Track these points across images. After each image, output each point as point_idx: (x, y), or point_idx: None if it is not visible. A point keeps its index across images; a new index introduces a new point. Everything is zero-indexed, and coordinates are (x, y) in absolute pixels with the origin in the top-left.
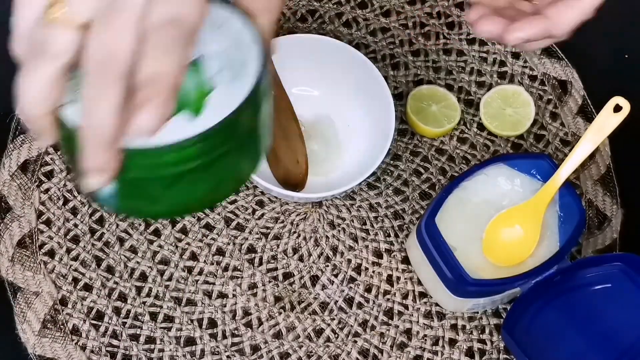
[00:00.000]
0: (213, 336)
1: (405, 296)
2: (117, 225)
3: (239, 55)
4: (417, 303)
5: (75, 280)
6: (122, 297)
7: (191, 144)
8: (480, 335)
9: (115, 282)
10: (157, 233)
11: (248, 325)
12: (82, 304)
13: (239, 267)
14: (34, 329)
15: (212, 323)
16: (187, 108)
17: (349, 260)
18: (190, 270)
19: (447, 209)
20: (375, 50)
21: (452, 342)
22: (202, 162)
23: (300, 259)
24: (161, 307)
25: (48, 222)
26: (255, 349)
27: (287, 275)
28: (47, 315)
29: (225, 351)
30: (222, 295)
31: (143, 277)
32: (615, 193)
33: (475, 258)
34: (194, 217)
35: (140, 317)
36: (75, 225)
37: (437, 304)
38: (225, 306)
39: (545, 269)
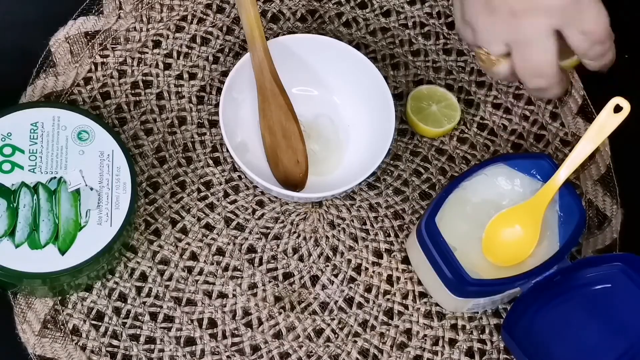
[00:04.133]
0: (213, 336)
1: (405, 296)
2: None
3: (114, 192)
4: (417, 303)
5: None
6: (122, 297)
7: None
8: (480, 335)
9: (115, 282)
10: (157, 233)
11: (248, 325)
12: (82, 304)
13: (239, 267)
14: (34, 329)
15: (212, 323)
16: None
17: (349, 260)
18: (190, 270)
19: (447, 209)
20: (375, 50)
21: (452, 342)
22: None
23: (300, 259)
24: (161, 307)
25: None
26: (255, 349)
27: (287, 275)
28: (47, 316)
29: (225, 351)
30: (222, 295)
31: (143, 277)
32: (615, 193)
33: (475, 258)
34: (194, 217)
35: (140, 317)
36: None
37: (437, 304)
38: (225, 306)
39: (545, 269)
